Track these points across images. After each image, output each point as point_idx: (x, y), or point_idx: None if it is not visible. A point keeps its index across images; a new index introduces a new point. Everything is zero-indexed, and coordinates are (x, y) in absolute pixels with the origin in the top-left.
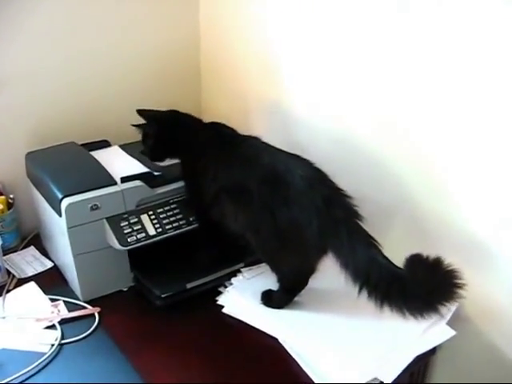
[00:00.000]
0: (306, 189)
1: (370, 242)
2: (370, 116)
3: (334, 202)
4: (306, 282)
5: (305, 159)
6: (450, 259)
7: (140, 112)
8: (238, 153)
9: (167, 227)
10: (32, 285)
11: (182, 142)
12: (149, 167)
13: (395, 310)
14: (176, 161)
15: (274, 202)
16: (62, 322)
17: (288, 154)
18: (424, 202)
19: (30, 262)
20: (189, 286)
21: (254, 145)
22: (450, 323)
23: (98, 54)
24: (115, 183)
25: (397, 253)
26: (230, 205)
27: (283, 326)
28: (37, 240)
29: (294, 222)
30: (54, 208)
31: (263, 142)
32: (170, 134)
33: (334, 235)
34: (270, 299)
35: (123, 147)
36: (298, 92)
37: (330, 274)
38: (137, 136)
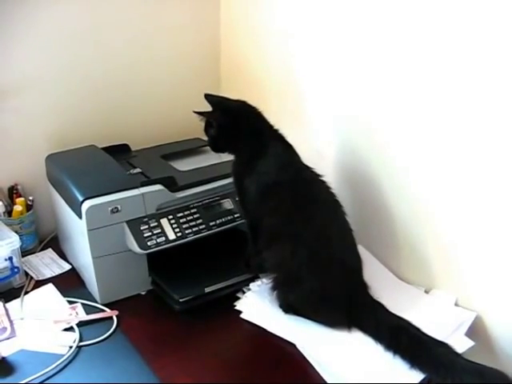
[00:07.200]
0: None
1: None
2: (387, 123)
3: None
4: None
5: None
6: (466, 267)
7: (208, 97)
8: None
9: (187, 232)
10: (50, 287)
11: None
12: None
13: None
14: (199, 165)
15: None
16: (80, 324)
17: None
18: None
19: (47, 264)
20: (207, 290)
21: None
22: (469, 334)
23: (119, 58)
24: (136, 187)
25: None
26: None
27: (301, 332)
28: (54, 242)
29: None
30: (74, 210)
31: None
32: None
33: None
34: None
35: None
36: (315, 96)
37: None
38: (154, 141)
